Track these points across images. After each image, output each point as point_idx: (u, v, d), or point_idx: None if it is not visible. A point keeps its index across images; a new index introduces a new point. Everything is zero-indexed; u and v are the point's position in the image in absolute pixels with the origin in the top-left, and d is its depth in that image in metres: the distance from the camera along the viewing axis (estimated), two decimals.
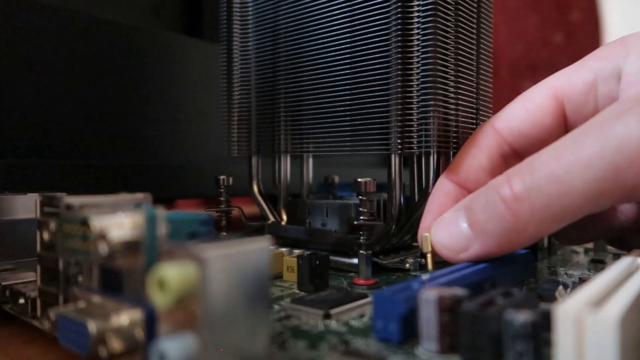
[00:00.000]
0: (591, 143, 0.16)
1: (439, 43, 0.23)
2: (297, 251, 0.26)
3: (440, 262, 0.27)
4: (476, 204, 0.19)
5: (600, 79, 0.21)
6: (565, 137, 0.17)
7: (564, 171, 0.16)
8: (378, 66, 0.24)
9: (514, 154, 0.23)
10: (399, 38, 0.23)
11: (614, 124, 0.16)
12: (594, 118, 0.17)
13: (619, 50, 0.21)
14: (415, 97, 0.24)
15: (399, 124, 0.24)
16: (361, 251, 0.23)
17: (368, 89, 0.25)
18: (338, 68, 0.26)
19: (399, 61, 0.23)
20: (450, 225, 0.19)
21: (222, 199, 0.30)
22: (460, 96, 0.25)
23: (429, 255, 0.21)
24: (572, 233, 0.23)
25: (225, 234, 0.29)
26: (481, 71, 0.27)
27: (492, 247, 0.18)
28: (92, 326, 0.13)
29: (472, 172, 0.22)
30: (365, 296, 0.19)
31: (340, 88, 0.26)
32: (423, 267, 0.26)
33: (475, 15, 0.26)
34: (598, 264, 0.27)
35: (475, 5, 0.26)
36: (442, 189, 0.23)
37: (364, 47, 0.25)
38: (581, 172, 0.16)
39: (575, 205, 0.16)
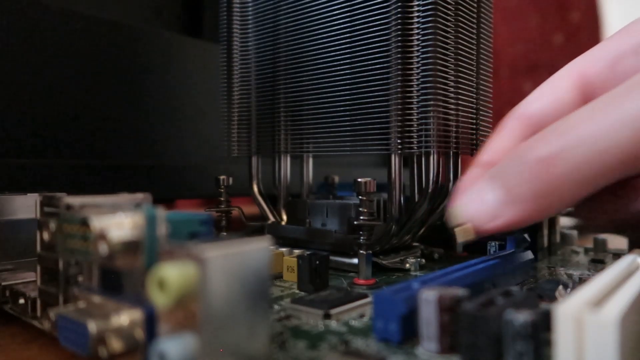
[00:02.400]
0: (629, 102, 0.16)
1: (439, 43, 0.23)
2: (297, 251, 0.26)
3: (439, 261, 0.27)
4: (506, 168, 0.18)
5: (623, 53, 0.20)
6: (599, 99, 0.17)
7: (599, 131, 0.16)
8: (378, 66, 0.24)
9: None
10: (399, 38, 0.23)
11: None
12: (628, 81, 0.17)
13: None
14: (415, 97, 0.24)
15: (399, 124, 0.24)
16: (361, 251, 0.23)
17: (368, 89, 0.25)
18: (338, 68, 0.26)
19: (399, 61, 0.23)
20: (479, 193, 0.18)
21: (222, 199, 0.30)
22: (460, 96, 0.25)
23: (457, 231, 0.19)
24: (600, 216, 0.22)
25: (225, 234, 0.29)
26: (481, 71, 0.27)
27: (525, 212, 0.18)
28: (92, 326, 0.13)
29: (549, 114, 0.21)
30: (365, 296, 0.19)
31: (340, 88, 0.26)
32: (423, 267, 0.26)
33: (475, 15, 0.26)
34: (598, 264, 0.27)
35: (475, 5, 0.26)
36: (512, 127, 0.22)
37: (364, 47, 0.25)
38: (618, 130, 0.16)
39: (611, 164, 0.16)
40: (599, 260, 0.28)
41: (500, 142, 0.22)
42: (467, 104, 0.26)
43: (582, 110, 0.17)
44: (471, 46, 0.26)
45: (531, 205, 0.17)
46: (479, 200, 0.18)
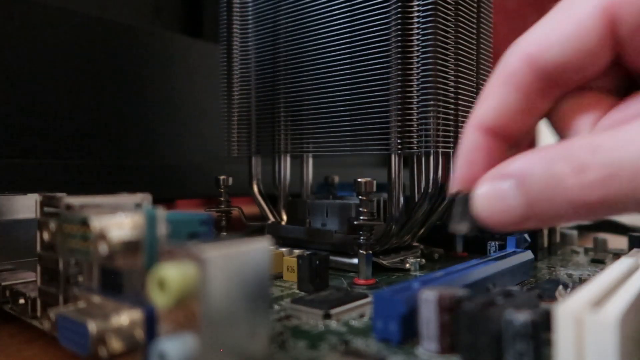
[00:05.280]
0: None
1: (439, 43, 0.23)
2: (297, 251, 0.26)
3: (439, 261, 0.27)
4: (533, 182, 0.16)
5: None
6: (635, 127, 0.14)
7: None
8: (378, 66, 0.24)
9: (550, 83, 0.18)
10: (399, 38, 0.23)
11: None
12: None
13: None
14: (415, 97, 0.24)
15: (399, 124, 0.24)
16: (361, 251, 0.23)
17: (368, 89, 0.25)
18: (338, 68, 0.26)
19: (399, 61, 0.23)
20: (501, 201, 0.16)
21: (222, 199, 0.30)
22: (460, 96, 0.25)
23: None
24: None
25: (225, 234, 0.29)
26: (481, 71, 0.27)
27: (545, 223, 0.16)
28: (92, 326, 0.13)
29: (503, 117, 0.19)
30: (365, 296, 0.19)
31: (340, 88, 0.26)
32: (423, 267, 0.26)
33: (475, 15, 0.26)
34: (598, 264, 0.27)
35: (475, 5, 0.26)
36: (471, 140, 0.19)
37: (364, 47, 0.25)
38: None
39: None
40: (599, 260, 0.28)
41: (505, 99, 0.19)
42: (467, 103, 0.26)
43: (623, 132, 0.15)
44: (471, 46, 0.26)
45: (555, 221, 0.16)
46: (504, 204, 0.17)
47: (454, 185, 0.19)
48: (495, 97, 0.19)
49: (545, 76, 0.18)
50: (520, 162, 0.16)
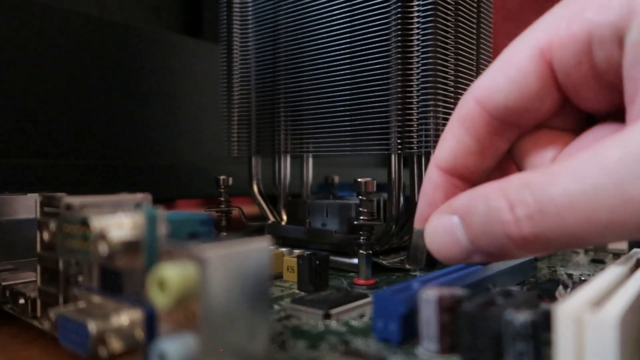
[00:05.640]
0: (613, 206, 0.14)
1: (439, 43, 0.23)
2: (297, 251, 0.26)
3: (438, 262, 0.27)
4: (474, 217, 0.16)
5: (597, 40, 0.16)
6: (565, 163, 0.15)
7: (581, 230, 0.14)
8: (378, 66, 0.24)
9: (503, 125, 0.19)
10: (399, 38, 0.23)
11: (633, 182, 0.13)
12: (596, 149, 0.14)
13: (616, 5, 0.16)
14: (415, 97, 0.24)
15: (399, 124, 0.24)
16: (361, 251, 0.23)
17: (368, 89, 0.25)
18: (338, 68, 0.26)
19: (399, 61, 0.23)
20: (447, 235, 0.17)
21: (222, 199, 0.30)
22: (460, 96, 0.25)
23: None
24: None
25: (225, 234, 0.29)
26: (481, 71, 0.27)
27: (489, 259, 0.17)
28: (92, 326, 0.13)
29: (459, 157, 0.19)
30: (365, 296, 0.19)
31: (340, 88, 0.26)
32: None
33: (475, 15, 0.26)
34: (598, 264, 0.27)
35: (475, 5, 0.26)
36: (431, 179, 0.20)
37: (364, 47, 0.25)
38: (599, 233, 0.14)
39: (587, 235, 0.14)
40: (599, 260, 0.28)
41: (460, 141, 0.19)
42: None
43: (556, 171, 0.15)
44: (471, 46, 0.26)
45: (496, 257, 0.17)
46: (448, 244, 0.17)
47: (416, 223, 0.20)
48: (451, 139, 0.20)
49: (497, 118, 0.19)
50: (464, 198, 0.17)
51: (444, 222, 0.18)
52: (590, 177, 0.14)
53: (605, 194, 0.14)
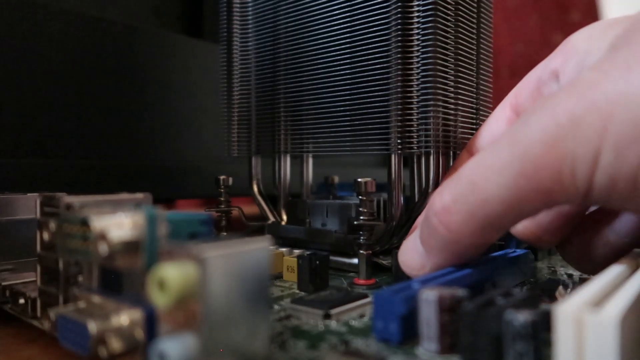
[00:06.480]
0: (503, 149, 0.16)
1: (439, 43, 0.23)
2: (297, 251, 0.26)
3: None
4: (422, 221, 0.19)
5: (542, 82, 0.21)
6: (489, 145, 0.17)
7: (482, 179, 0.16)
8: (378, 66, 0.24)
9: None
10: (399, 38, 0.23)
11: (520, 127, 0.16)
12: (514, 123, 0.17)
13: (560, 52, 0.20)
14: (415, 97, 0.24)
15: (399, 124, 0.24)
16: (361, 251, 0.23)
17: (368, 89, 0.25)
18: (338, 68, 0.26)
19: (399, 61, 0.23)
20: (410, 244, 0.19)
21: (222, 199, 0.30)
22: (460, 96, 0.25)
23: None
24: (585, 260, 0.21)
25: (225, 234, 0.29)
26: (481, 71, 0.27)
27: (440, 262, 0.18)
28: (92, 326, 0.13)
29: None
30: (365, 296, 0.19)
31: (340, 88, 0.26)
32: None
33: (475, 15, 0.26)
34: None
35: (475, 5, 0.26)
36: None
37: (364, 47, 0.25)
38: (496, 179, 0.16)
39: (497, 212, 0.16)
40: None
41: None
42: (467, 104, 0.26)
43: (477, 155, 0.17)
44: (471, 46, 0.26)
45: (442, 254, 0.18)
46: (411, 252, 0.19)
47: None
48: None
49: None
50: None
51: (411, 236, 0.20)
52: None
53: (499, 155, 0.16)
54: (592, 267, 0.21)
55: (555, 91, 0.16)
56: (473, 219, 0.16)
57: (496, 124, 0.23)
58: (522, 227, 0.21)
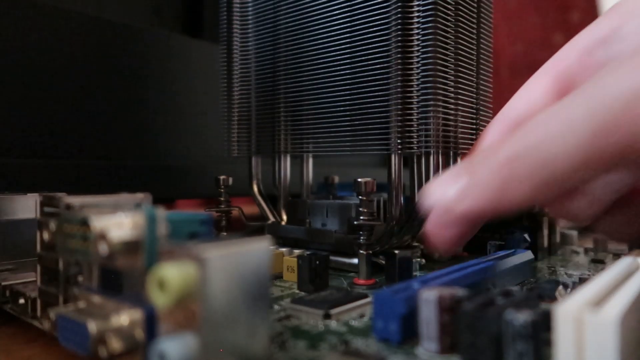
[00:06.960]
0: (576, 107, 0.16)
1: (439, 43, 0.23)
2: (297, 251, 0.26)
3: (439, 261, 0.27)
4: (476, 159, 0.18)
5: (591, 46, 0.20)
6: (558, 102, 0.17)
7: (550, 135, 0.16)
8: (378, 66, 0.24)
9: None
10: (399, 38, 0.23)
11: (597, 86, 0.15)
12: (586, 82, 0.16)
13: (609, 18, 0.20)
14: (415, 97, 0.24)
15: (399, 124, 0.24)
16: (361, 251, 0.23)
17: (368, 89, 0.25)
18: (338, 68, 0.26)
19: (399, 61, 0.23)
20: (448, 178, 0.19)
21: (222, 199, 0.30)
22: (460, 96, 0.25)
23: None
24: (623, 228, 0.21)
25: (225, 234, 0.29)
26: (481, 71, 0.27)
27: (487, 199, 0.18)
28: (92, 326, 0.13)
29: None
30: (365, 296, 0.19)
31: (340, 88, 0.26)
32: (423, 267, 0.26)
33: (475, 15, 0.26)
34: (598, 264, 0.27)
35: (475, 5, 0.26)
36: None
37: (364, 48, 0.25)
38: (567, 137, 0.15)
39: (562, 171, 0.16)
40: (599, 260, 0.28)
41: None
42: (467, 104, 0.26)
43: (545, 112, 0.17)
44: (471, 46, 0.26)
45: (494, 194, 0.17)
46: (448, 184, 0.18)
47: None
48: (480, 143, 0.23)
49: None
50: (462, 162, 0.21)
51: (446, 172, 0.19)
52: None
53: (573, 112, 0.16)
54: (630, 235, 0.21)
55: (636, 50, 0.16)
56: (537, 175, 0.16)
57: (533, 94, 0.22)
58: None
